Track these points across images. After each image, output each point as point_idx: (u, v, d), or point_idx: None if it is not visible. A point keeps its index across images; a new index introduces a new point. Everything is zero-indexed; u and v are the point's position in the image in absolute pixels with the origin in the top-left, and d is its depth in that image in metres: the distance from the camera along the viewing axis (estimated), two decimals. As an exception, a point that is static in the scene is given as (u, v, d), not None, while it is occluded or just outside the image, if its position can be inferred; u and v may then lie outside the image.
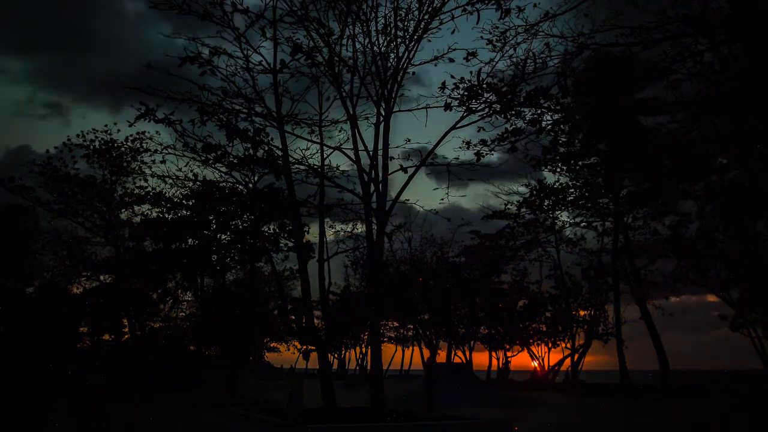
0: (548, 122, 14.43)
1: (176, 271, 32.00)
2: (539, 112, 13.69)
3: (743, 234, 30.35)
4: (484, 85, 13.17)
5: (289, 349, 63.81)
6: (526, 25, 13.41)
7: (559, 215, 37.94)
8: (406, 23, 13.30)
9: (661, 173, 23.82)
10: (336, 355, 58.40)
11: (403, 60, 13.69)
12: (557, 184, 35.22)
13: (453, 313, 42.11)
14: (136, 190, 30.84)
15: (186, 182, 23.62)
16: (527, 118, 13.63)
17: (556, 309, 42.20)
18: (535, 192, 35.75)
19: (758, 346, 35.03)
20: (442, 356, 43.95)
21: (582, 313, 40.65)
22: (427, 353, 43.41)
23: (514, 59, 13.35)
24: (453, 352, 44.59)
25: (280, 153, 14.13)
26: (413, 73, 14.10)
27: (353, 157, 14.03)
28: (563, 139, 29.66)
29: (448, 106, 13.33)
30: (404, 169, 13.79)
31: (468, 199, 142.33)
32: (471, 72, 13.14)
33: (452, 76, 13.16)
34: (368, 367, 32.75)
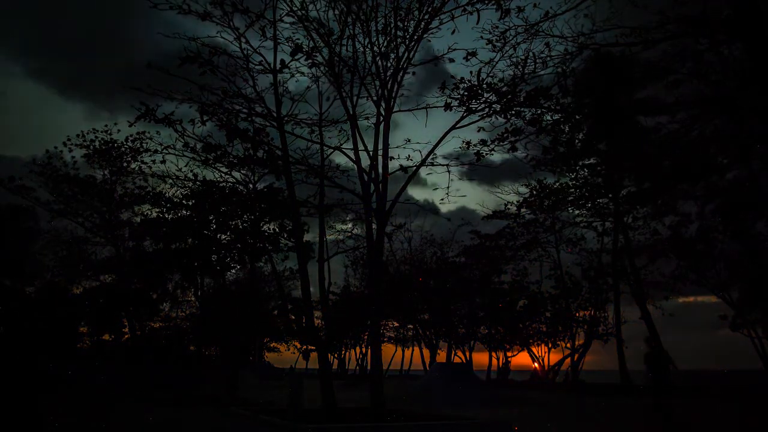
0: (548, 122, 14.44)
1: (176, 271, 31.99)
2: (539, 112, 13.71)
3: (743, 234, 30.34)
4: (484, 85, 13.19)
5: (289, 349, 63.88)
6: (526, 25, 13.40)
7: (559, 215, 37.89)
8: (406, 23, 13.32)
9: (661, 173, 23.80)
10: (336, 355, 58.43)
11: (403, 60, 13.71)
12: (557, 184, 35.21)
13: (453, 313, 42.12)
14: (136, 190, 30.87)
15: (186, 182, 23.62)
16: (527, 118, 13.66)
17: (556, 309, 42.19)
18: (535, 192, 35.74)
19: (758, 346, 35.04)
20: (442, 356, 43.99)
21: (583, 313, 40.61)
22: (427, 353, 43.51)
23: (514, 59, 13.37)
24: (453, 352, 44.61)
25: (280, 153, 14.14)
26: (413, 72, 14.12)
27: (353, 157, 14.07)
28: (563, 139, 29.63)
29: (448, 106, 13.35)
30: (404, 169, 13.82)
31: (480, 203, 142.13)
32: (471, 72, 13.17)
33: (452, 77, 13.22)
34: (368, 367, 32.74)
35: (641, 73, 17.33)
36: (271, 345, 64.74)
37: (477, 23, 12.70)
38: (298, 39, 13.22)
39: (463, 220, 37.31)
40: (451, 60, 13.86)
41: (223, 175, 22.19)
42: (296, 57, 12.95)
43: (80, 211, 32.52)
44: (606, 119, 20.08)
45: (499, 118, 13.46)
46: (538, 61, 13.20)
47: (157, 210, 27.84)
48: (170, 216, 27.59)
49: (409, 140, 14.12)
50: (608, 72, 17.32)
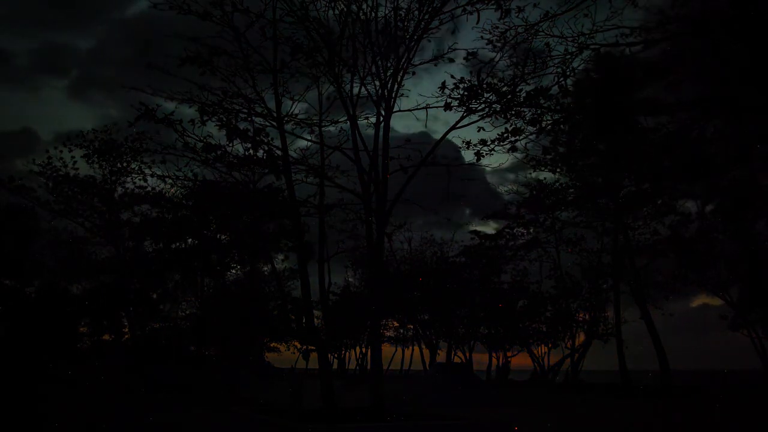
0: (548, 122, 14.42)
1: (176, 271, 31.98)
2: (539, 112, 13.69)
3: (743, 234, 30.35)
4: (484, 85, 13.18)
5: (289, 349, 63.65)
6: (526, 25, 13.38)
7: (559, 215, 37.85)
8: (406, 23, 13.32)
9: (661, 173, 23.82)
10: (336, 355, 58.34)
11: (403, 60, 13.71)
12: (557, 184, 35.18)
13: (453, 313, 42.08)
14: (136, 190, 30.82)
15: (186, 182, 23.57)
16: (527, 118, 13.64)
17: (556, 309, 42.12)
18: (535, 192, 35.68)
19: (758, 346, 35.03)
20: (442, 356, 43.96)
21: (583, 315, 40.54)
22: (427, 353, 43.48)
23: (514, 59, 13.36)
24: (453, 352, 44.55)
25: (280, 153, 14.13)
26: (413, 72, 14.13)
27: (353, 156, 14.07)
28: (563, 139, 29.64)
29: (448, 106, 13.34)
30: (404, 169, 13.83)
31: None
32: (471, 72, 13.18)
33: (452, 77, 13.19)
34: (368, 367, 32.70)
35: (641, 73, 17.34)
36: (271, 345, 64.57)
37: (477, 23, 12.71)
38: (298, 39, 13.21)
39: (463, 219, 37.31)
40: (452, 60, 13.86)
41: (222, 174, 22.18)
42: (296, 57, 12.95)
43: (80, 211, 32.48)
44: (606, 119, 20.07)
45: (499, 118, 13.45)
46: (538, 61, 13.19)
47: (157, 210, 27.80)
48: (170, 216, 27.55)
49: (409, 140, 14.15)
50: (608, 72, 17.32)
